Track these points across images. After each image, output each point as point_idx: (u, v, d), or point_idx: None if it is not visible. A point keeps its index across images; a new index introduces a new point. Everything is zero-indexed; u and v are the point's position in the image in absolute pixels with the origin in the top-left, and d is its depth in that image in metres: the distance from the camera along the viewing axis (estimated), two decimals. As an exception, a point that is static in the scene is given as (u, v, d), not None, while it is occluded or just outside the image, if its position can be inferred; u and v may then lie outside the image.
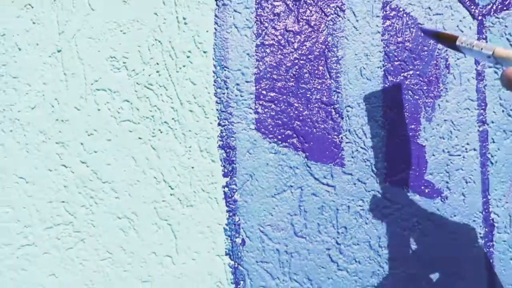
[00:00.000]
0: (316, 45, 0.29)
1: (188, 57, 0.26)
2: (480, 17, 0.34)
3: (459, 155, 0.32)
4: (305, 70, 0.29)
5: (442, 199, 0.32)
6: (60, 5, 0.25)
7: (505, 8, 0.35)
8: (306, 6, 0.29)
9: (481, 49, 0.25)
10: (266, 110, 0.28)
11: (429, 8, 0.32)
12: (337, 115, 0.29)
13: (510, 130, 0.32)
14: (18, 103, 0.24)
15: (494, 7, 0.35)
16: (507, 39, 0.35)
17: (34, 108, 0.25)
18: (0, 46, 0.24)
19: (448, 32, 0.27)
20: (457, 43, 0.26)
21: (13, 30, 0.24)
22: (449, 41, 0.26)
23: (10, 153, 0.24)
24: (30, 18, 0.25)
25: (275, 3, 0.28)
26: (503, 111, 0.32)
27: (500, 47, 0.24)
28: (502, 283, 0.34)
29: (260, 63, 0.28)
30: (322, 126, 0.28)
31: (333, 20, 0.29)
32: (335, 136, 0.29)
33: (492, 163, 0.34)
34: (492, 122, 0.32)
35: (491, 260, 0.34)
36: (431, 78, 0.32)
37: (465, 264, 0.33)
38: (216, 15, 0.27)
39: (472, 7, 0.34)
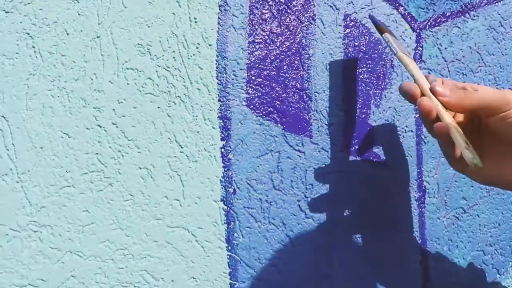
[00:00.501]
0: (293, 45, 0.38)
1: (197, 48, 0.34)
2: (418, 30, 0.45)
3: (400, 135, 0.42)
4: (284, 63, 0.37)
5: (386, 168, 0.41)
6: (100, 2, 0.32)
7: (437, 24, 0.46)
8: (287, 14, 0.38)
9: (393, 46, 0.35)
10: (254, 91, 0.36)
11: (380, 21, 0.42)
12: (308, 98, 0.38)
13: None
14: (64, 75, 0.32)
15: (429, 23, 0.45)
16: (438, 48, 0.46)
17: (77, 80, 0.32)
18: (53, 30, 0.31)
19: (381, 25, 0.37)
20: (383, 35, 0.36)
21: (63, 19, 0.32)
22: (380, 32, 0.36)
23: (58, 114, 0.31)
24: (77, 11, 0.32)
25: (263, 11, 0.37)
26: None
27: (403, 53, 0.34)
28: (431, 237, 0.44)
29: (251, 56, 0.36)
30: (296, 106, 0.37)
31: (306, 26, 0.38)
32: (305, 114, 0.38)
33: (425, 143, 0.44)
34: None
35: (423, 219, 0.44)
36: (379, 74, 0.41)
37: (403, 222, 0.43)
38: (219, 17, 0.35)
39: (412, 22, 0.44)
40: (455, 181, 0.46)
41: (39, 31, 0.31)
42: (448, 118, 0.31)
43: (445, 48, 0.46)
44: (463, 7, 0.48)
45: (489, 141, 0.33)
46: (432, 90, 0.32)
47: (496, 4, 0.50)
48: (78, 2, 0.32)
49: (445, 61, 0.46)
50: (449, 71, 0.46)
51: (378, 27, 0.37)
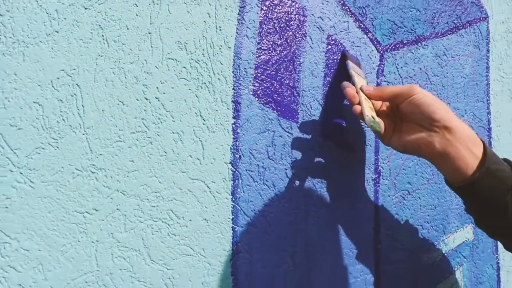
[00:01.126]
0: (289, 53, 0.51)
1: (220, 49, 0.47)
2: (381, 52, 0.59)
3: (363, 128, 0.56)
4: (281, 66, 0.50)
5: (352, 153, 0.54)
6: (152, 8, 0.44)
7: (396, 49, 0.60)
8: (286, 31, 0.51)
9: (350, 66, 0.50)
10: (259, 85, 0.48)
11: (353, 42, 0.56)
12: (297, 94, 0.51)
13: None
14: (123, 59, 0.43)
15: (390, 47, 0.59)
16: (396, 67, 0.60)
17: (132, 63, 0.43)
18: (117, 25, 0.43)
19: (347, 54, 0.52)
20: (346, 62, 0.50)
21: (125, 17, 0.43)
22: (345, 59, 0.51)
23: (116, 87, 0.43)
24: (135, 12, 0.44)
25: (269, 27, 0.50)
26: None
27: (354, 71, 0.49)
28: (382, 209, 0.58)
29: (258, 58, 0.49)
30: (288, 99, 0.50)
31: (299, 41, 0.52)
32: (294, 106, 0.50)
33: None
34: None
35: (377, 195, 0.57)
36: (350, 80, 0.55)
37: (362, 195, 0.56)
38: (237, 28, 0.48)
39: (378, 45, 0.58)
40: (403, 169, 0.60)
41: (108, 24, 0.42)
42: (364, 101, 0.47)
43: (401, 67, 0.60)
44: (417, 38, 0.62)
45: (403, 121, 0.48)
46: (361, 88, 0.48)
47: (442, 38, 0.65)
48: (137, 6, 0.44)
49: (401, 77, 0.60)
50: (403, 85, 0.61)
51: (344, 56, 0.52)
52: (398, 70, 0.60)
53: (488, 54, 0.72)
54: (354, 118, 0.55)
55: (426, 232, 0.62)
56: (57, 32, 0.40)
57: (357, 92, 0.48)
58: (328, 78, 0.53)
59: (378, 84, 0.57)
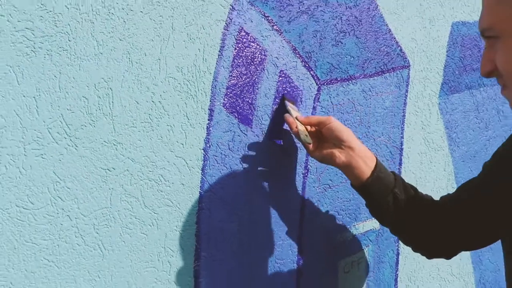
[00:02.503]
0: (251, 80, 0.77)
1: (204, 73, 0.72)
2: (319, 85, 0.85)
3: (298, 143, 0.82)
4: (245, 89, 0.76)
5: (287, 151, 0.80)
6: (162, 43, 0.70)
7: (331, 83, 0.86)
8: (251, 65, 0.77)
9: (287, 104, 0.75)
10: (228, 99, 0.74)
11: (298, 76, 0.82)
12: (254, 108, 0.77)
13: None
14: (140, 74, 0.68)
15: (326, 82, 0.86)
16: (329, 97, 0.86)
17: (146, 78, 0.69)
18: (138, 52, 0.68)
19: (287, 102, 0.78)
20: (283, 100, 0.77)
21: (144, 48, 0.69)
22: (283, 99, 0.77)
23: (134, 91, 0.68)
24: (151, 45, 0.69)
25: (239, 61, 0.75)
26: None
27: (290, 105, 0.75)
28: (309, 196, 0.83)
29: (229, 82, 0.74)
30: (247, 111, 0.76)
31: (260, 72, 0.77)
32: (251, 116, 0.76)
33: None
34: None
35: (304, 185, 0.83)
36: (294, 102, 0.81)
37: (292, 184, 0.81)
38: (217, 60, 0.73)
39: (317, 80, 0.85)
40: (326, 169, 0.86)
41: (132, 51, 0.68)
42: (299, 125, 0.72)
43: (333, 97, 0.87)
44: (349, 77, 0.89)
45: (323, 141, 0.74)
46: (297, 117, 0.74)
47: (369, 78, 0.92)
48: (152, 41, 0.69)
49: (332, 104, 0.87)
50: (334, 111, 0.87)
51: (283, 97, 0.78)
52: (330, 99, 0.86)
53: (406, 94, 0.99)
54: (290, 136, 0.81)
55: (341, 217, 0.88)
56: (101, 53, 0.66)
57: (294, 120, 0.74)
58: (277, 100, 0.79)
59: (314, 108, 0.84)
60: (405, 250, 1.00)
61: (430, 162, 1.04)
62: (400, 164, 0.98)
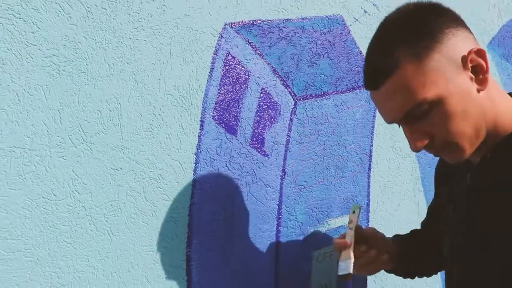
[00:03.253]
0: (237, 97, 0.93)
1: (196, 91, 0.88)
2: (295, 100, 1.01)
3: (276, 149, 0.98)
4: (231, 105, 0.92)
5: (267, 157, 0.96)
6: (162, 66, 0.86)
7: (306, 99, 1.02)
8: (236, 84, 0.92)
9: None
10: (216, 113, 0.90)
11: (277, 93, 0.98)
12: (238, 120, 0.92)
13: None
14: (144, 92, 0.84)
15: (302, 97, 1.02)
16: (305, 110, 1.02)
17: (148, 95, 0.85)
18: (142, 73, 0.84)
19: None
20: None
21: (147, 70, 0.85)
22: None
23: (139, 106, 0.84)
24: (153, 68, 0.85)
25: (226, 81, 0.91)
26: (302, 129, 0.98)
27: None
28: (286, 195, 0.99)
29: (217, 98, 0.90)
30: (233, 122, 0.92)
31: (244, 90, 0.93)
32: (236, 126, 0.92)
33: (289, 150, 0.99)
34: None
35: (282, 185, 0.99)
36: (281, 111, 0.97)
37: (272, 183, 0.97)
38: (207, 80, 0.89)
39: (294, 95, 1.00)
40: (301, 172, 1.01)
41: (138, 72, 0.84)
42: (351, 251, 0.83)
43: (308, 111, 1.03)
44: (322, 93, 1.05)
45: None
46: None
47: (341, 94, 1.08)
48: (154, 64, 0.85)
49: (307, 116, 1.02)
50: (308, 123, 1.03)
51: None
52: (306, 112, 1.02)
53: (376, 107, 1.14)
54: (270, 144, 0.97)
55: (315, 214, 1.04)
56: (112, 75, 0.82)
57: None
58: (259, 113, 0.95)
59: (291, 120, 0.99)
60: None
61: (398, 167, 1.20)
62: (369, 169, 1.13)
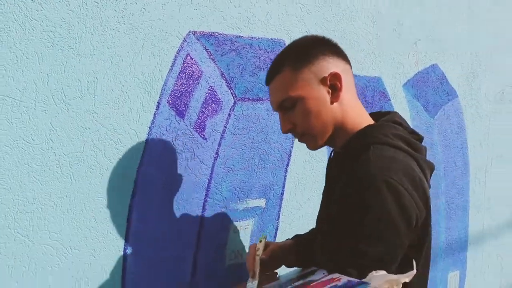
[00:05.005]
0: (187, 91, 1.20)
1: (161, 76, 1.15)
2: (235, 100, 1.30)
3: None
4: (182, 95, 1.19)
5: (205, 141, 1.24)
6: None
7: (244, 101, 1.32)
8: (189, 80, 1.20)
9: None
10: (173, 100, 1.17)
11: (221, 92, 1.26)
12: (186, 107, 1.20)
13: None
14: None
15: (241, 99, 1.31)
16: (241, 108, 1.31)
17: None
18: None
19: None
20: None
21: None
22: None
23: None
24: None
25: (182, 78, 1.19)
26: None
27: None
28: (215, 177, 1.27)
29: (173, 91, 1.17)
30: (183, 108, 1.19)
31: (195, 86, 1.21)
32: (185, 112, 1.20)
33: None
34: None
35: (214, 167, 1.27)
36: (222, 106, 1.25)
37: (201, 165, 1.25)
38: (167, 75, 1.17)
39: (234, 96, 1.30)
40: (231, 157, 1.30)
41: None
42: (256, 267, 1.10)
43: (245, 110, 1.32)
44: (258, 98, 1.35)
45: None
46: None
47: (273, 102, 1.38)
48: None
49: (243, 115, 1.32)
50: (243, 119, 1.32)
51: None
52: (242, 111, 1.31)
53: (300, 118, 1.46)
54: (212, 131, 1.25)
55: (237, 192, 1.33)
56: (94, 54, 1.07)
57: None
58: (205, 105, 1.23)
59: (229, 115, 1.28)
60: (284, 226, 1.45)
61: (312, 168, 1.51)
62: (287, 165, 1.44)
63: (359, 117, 0.95)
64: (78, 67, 1.06)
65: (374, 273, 0.72)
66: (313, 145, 0.97)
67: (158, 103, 1.17)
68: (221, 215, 1.31)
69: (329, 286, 0.74)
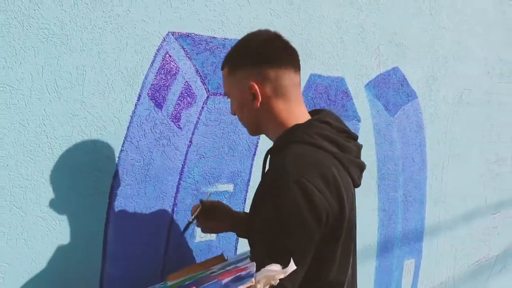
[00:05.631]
0: (166, 85, 1.37)
1: (142, 70, 1.32)
2: (208, 94, 1.48)
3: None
4: (161, 89, 1.36)
5: (180, 130, 1.42)
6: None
7: (215, 95, 1.50)
8: (167, 75, 1.37)
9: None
10: (153, 93, 1.34)
11: (196, 87, 1.44)
12: (163, 100, 1.37)
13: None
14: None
15: (213, 94, 1.49)
16: (214, 101, 1.50)
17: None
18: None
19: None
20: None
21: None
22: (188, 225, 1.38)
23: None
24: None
25: (160, 72, 1.36)
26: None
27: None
28: (188, 163, 1.45)
29: (154, 85, 1.35)
30: (161, 101, 1.36)
31: (171, 82, 1.38)
32: (163, 103, 1.37)
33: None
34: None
35: (187, 153, 1.45)
36: (196, 99, 1.42)
37: (175, 153, 1.43)
38: (148, 71, 1.34)
39: (207, 91, 1.47)
40: (203, 145, 1.48)
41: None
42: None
43: (216, 104, 1.50)
44: (230, 94, 1.53)
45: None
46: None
47: (243, 97, 1.56)
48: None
49: (215, 108, 1.50)
50: (214, 112, 1.50)
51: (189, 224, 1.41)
52: (214, 104, 1.49)
53: (267, 112, 1.65)
54: (185, 122, 1.42)
55: (208, 177, 1.51)
56: (84, 50, 1.23)
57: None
58: (181, 98, 1.40)
59: (202, 108, 1.45)
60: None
61: (277, 159, 1.70)
62: (254, 154, 1.62)
63: (290, 116, 1.02)
64: (69, 61, 1.22)
65: (268, 267, 0.79)
66: (248, 132, 1.13)
67: (139, 95, 1.33)
68: (193, 196, 1.48)
69: (233, 276, 0.84)
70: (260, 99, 1.02)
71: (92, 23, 1.25)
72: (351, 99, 2.00)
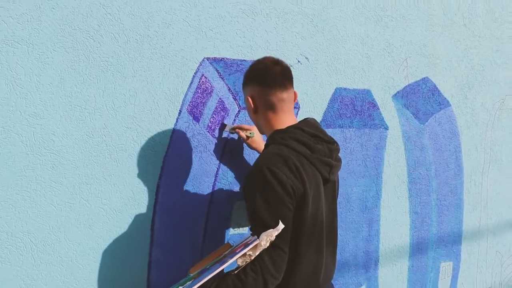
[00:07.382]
0: (201, 104, 1.66)
1: (183, 90, 1.62)
2: (239, 109, 1.75)
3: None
4: (199, 106, 1.66)
5: (215, 139, 1.70)
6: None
7: (244, 109, 1.76)
8: (203, 97, 1.66)
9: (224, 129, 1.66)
10: (191, 110, 1.64)
11: (229, 103, 1.71)
12: (199, 114, 1.66)
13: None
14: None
15: (244, 108, 1.76)
16: (245, 116, 1.77)
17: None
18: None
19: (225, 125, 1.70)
20: (225, 129, 1.69)
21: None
22: (223, 127, 1.67)
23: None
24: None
25: (197, 94, 1.65)
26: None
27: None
28: (223, 167, 1.73)
29: (192, 103, 1.64)
30: (197, 116, 1.65)
31: (207, 100, 1.67)
32: (199, 115, 1.66)
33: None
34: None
35: (223, 158, 1.73)
36: (229, 113, 1.70)
37: (210, 161, 1.71)
38: (186, 93, 1.63)
39: (239, 106, 1.75)
40: (235, 152, 1.75)
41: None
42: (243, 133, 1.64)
43: (247, 117, 1.77)
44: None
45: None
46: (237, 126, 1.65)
47: (271, 110, 1.83)
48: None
49: (246, 121, 1.76)
50: (245, 123, 1.76)
51: (223, 126, 1.69)
52: (245, 117, 1.76)
53: (293, 122, 1.89)
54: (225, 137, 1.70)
55: (239, 179, 1.77)
56: (133, 77, 1.56)
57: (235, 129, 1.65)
58: (216, 113, 1.69)
59: (234, 120, 1.73)
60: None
61: (303, 164, 1.93)
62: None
63: (277, 123, 1.35)
64: (123, 85, 1.54)
65: (264, 232, 1.17)
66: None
67: (180, 110, 1.64)
68: (227, 195, 1.76)
69: (243, 247, 1.18)
70: (254, 110, 1.38)
71: (141, 55, 1.57)
72: (378, 109, 2.18)
